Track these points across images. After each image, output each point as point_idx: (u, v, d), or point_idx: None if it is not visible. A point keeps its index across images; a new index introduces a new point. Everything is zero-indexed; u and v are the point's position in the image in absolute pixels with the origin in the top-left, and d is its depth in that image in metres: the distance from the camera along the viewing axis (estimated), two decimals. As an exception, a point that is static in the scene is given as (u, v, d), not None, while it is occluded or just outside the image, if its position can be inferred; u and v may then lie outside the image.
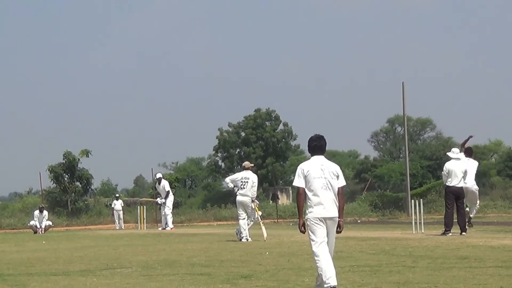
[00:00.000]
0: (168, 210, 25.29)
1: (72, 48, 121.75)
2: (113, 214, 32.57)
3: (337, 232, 7.46)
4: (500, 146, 62.33)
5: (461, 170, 16.03)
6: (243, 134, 55.70)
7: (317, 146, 7.55)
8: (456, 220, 16.24)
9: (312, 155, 7.57)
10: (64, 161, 36.73)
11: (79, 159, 36.83)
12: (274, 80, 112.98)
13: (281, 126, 56.12)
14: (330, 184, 7.35)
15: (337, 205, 7.38)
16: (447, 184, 16.09)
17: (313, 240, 7.33)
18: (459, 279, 8.24)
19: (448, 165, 16.10)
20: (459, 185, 16.04)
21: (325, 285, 7.11)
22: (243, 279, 8.77)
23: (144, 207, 28.60)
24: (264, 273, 9.44)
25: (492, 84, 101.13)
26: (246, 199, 16.56)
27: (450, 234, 15.75)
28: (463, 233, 15.88)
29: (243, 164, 17.62)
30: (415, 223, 17.34)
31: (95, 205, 38.61)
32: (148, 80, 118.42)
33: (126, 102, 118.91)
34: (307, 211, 7.45)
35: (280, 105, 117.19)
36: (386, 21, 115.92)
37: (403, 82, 36.32)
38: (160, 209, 26.15)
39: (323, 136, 7.68)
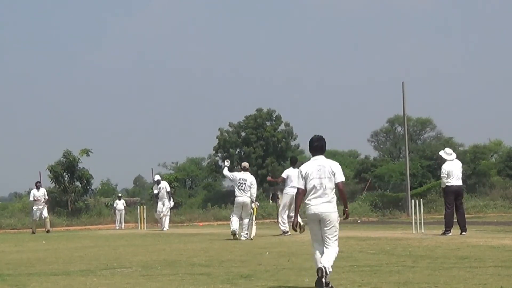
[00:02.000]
0: (168, 211, 25.30)
1: (72, 48, 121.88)
2: (115, 214, 32.62)
3: (345, 218, 8.18)
4: (500, 146, 62.22)
5: (458, 169, 16.08)
6: (243, 134, 55.65)
7: (318, 146, 8.12)
8: (456, 220, 16.25)
9: (313, 155, 8.12)
10: (64, 161, 36.67)
11: (79, 159, 36.78)
12: (274, 80, 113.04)
13: (282, 126, 56.07)
14: (324, 182, 7.90)
15: (331, 201, 7.91)
16: (447, 184, 16.08)
17: (311, 236, 8.07)
18: (459, 279, 8.24)
19: (446, 167, 16.09)
20: (458, 184, 16.07)
21: (317, 266, 7.76)
22: (243, 279, 8.77)
23: (144, 207, 28.59)
24: (264, 273, 9.44)
25: (492, 84, 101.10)
26: (247, 200, 17.05)
27: (450, 234, 15.76)
28: (463, 233, 15.88)
29: (242, 164, 17.95)
30: (415, 223, 17.35)
31: (95, 205, 38.58)
32: (148, 80, 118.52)
33: (126, 102, 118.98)
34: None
35: (280, 105, 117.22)
36: (386, 21, 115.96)
37: (403, 82, 36.40)
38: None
39: (322, 137, 8.21)
